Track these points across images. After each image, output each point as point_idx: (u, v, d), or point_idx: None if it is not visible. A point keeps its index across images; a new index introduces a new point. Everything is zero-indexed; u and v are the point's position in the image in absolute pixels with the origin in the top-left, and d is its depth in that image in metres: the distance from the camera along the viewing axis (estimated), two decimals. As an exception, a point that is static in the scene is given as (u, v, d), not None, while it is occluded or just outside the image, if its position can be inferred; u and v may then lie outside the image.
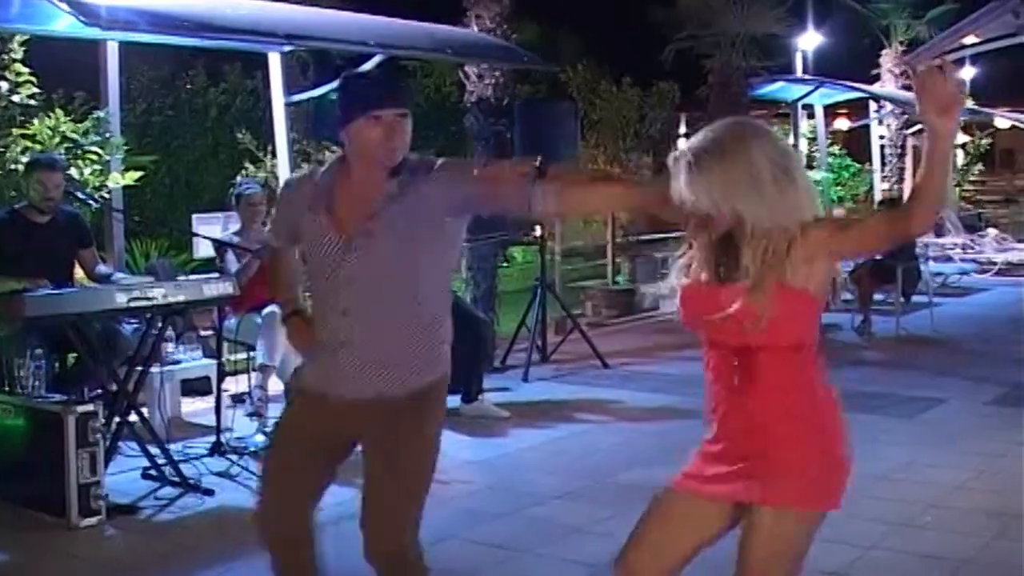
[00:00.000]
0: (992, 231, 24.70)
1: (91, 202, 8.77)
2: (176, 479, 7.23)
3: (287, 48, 10.32)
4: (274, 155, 11.53)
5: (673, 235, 15.89)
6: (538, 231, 11.37)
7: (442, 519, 6.70)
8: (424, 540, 6.25)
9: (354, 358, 4.05)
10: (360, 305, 4.03)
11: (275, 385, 8.50)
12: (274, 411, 8.47)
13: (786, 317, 3.43)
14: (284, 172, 10.81)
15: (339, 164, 4.15)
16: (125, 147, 9.74)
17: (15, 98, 8.93)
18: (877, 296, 14.34)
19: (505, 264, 20.11)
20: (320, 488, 4.33)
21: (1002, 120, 27.37)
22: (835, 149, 29.92)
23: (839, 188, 30.11)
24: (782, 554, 3.55)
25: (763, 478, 3.50)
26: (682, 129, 29.70)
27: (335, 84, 4.61)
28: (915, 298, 14.74)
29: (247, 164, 13.06)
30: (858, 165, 30.22)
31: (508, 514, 6.84)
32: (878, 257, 14.06)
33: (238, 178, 12.40)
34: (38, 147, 8.80)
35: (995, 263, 21.92)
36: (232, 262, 8.54)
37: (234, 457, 7.72)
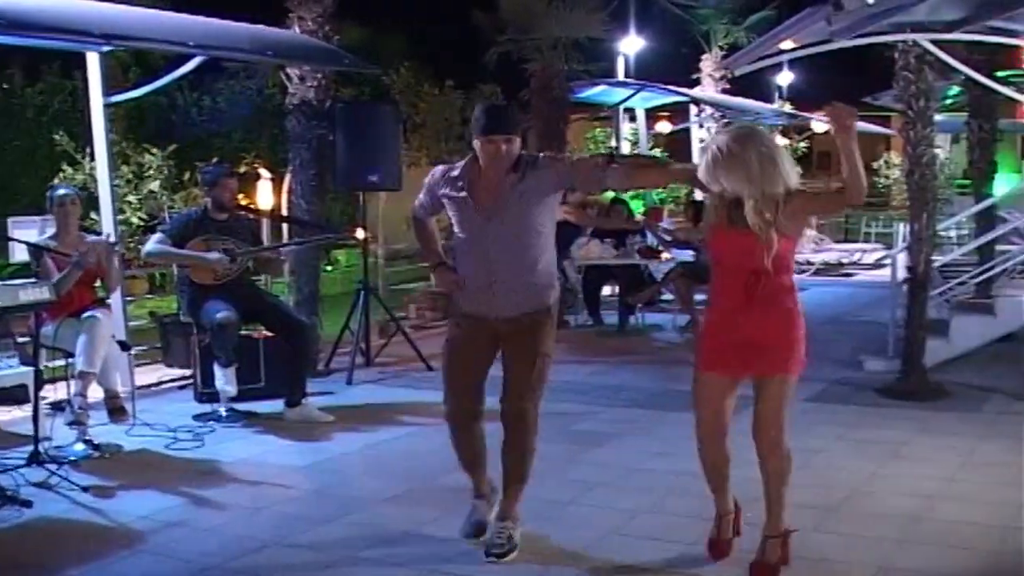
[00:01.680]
0: (810, 232, 25.17)
1: None
2: (-10, 491, 6.99)
3: (105, 48, 10.04)
4: (92, 157, 11.23)
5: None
6: (360, 234, 11.25)
7: (265, 525, 6.63)
8: (247, 546, 6.18)
9: (502, 290, 6.07)
10: (503, 255, 6.04)
11: (95, 392, 8.28)
12: (97, 418, 8.30)
13: (781, 253, 5.61)
14: (103, 175, 10.49)
15: (473, 163, 6.10)
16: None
17: None
18: (698, 296, 14.53)
19: (328, 267, 19.98)
20: (483, 379, 6.30)
21: (819, 124, 27.97)
22: (657, 152, 30.33)
23: (661, 190, 30.53)
24: (785, 402, 5.69)
25: (770, 358, 5.66)
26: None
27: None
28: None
29: (65, 166, 12.75)
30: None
31: (332, 519, 6.76)
32: (689, 259, 14.30)
33: (55, 180, 12.12)
34: None
35: (812, 263, 22.41)
36: (51, 267, 8.31)
37: (53, 467, 7.46)
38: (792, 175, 5.52)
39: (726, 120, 22.71)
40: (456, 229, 6.22)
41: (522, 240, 6.07)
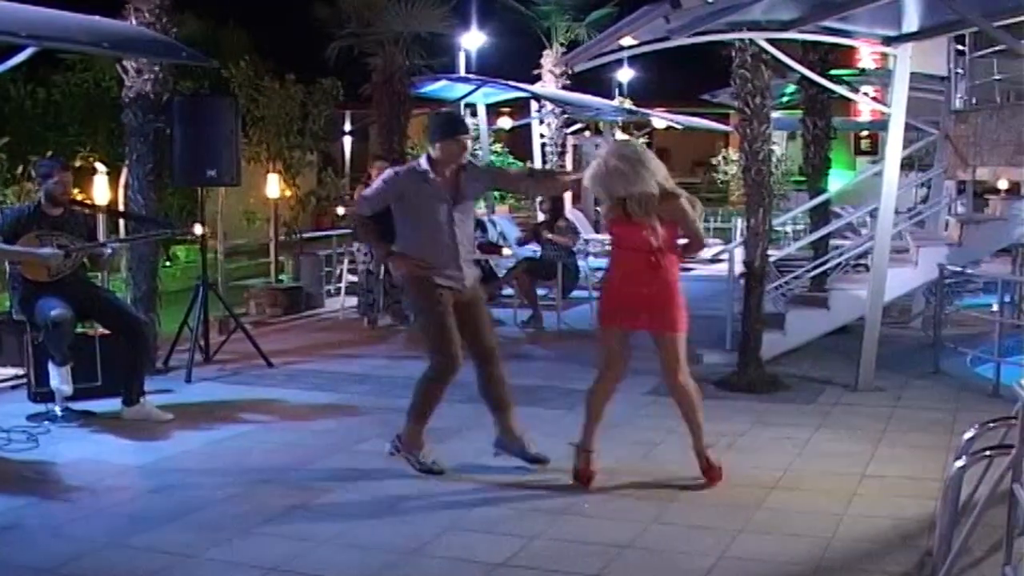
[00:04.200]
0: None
1: None
2: None
3: (-71, 37, 9.72)
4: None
5: (336, 234, 15.87)
6: (198, 229, 11.10)
7: (104, 526, 6.52)
8: (84, 549, 6.06)
9: (463, 264, 7.62)
10: (460, 235, 7.60)
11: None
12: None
13: (667, 236, 7.13)
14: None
15: (429, 161, 7.56)
16: None
17: None
18: (539, 291, 14.62)
19: (167, 263, 19.67)
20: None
21: (659, 120, 28.35)
22: (498, 147, 30.48)
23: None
24: (680, 352, 7.26)
25: (663, 318, 7.22)
26: (347, 126, 29.74)
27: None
28: (575, 293, 15.04)
29: None
30: (520, 163, 30.83)
31: (173, 519, 6.65)
32: (534, 254, 14.39)
33: None
34: None
35: (652, 258, 22.64)
36: None
37: None
38: (659, 173, 7.07)
39: (566, 116, 22.90)
40: (414, 219, 7.60)
41: (469, 222, 7.84)
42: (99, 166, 13.81)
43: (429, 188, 7.54)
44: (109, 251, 9.91)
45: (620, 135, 30.14)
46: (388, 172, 7.87)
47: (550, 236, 14.50)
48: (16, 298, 9.22)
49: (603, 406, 7.47)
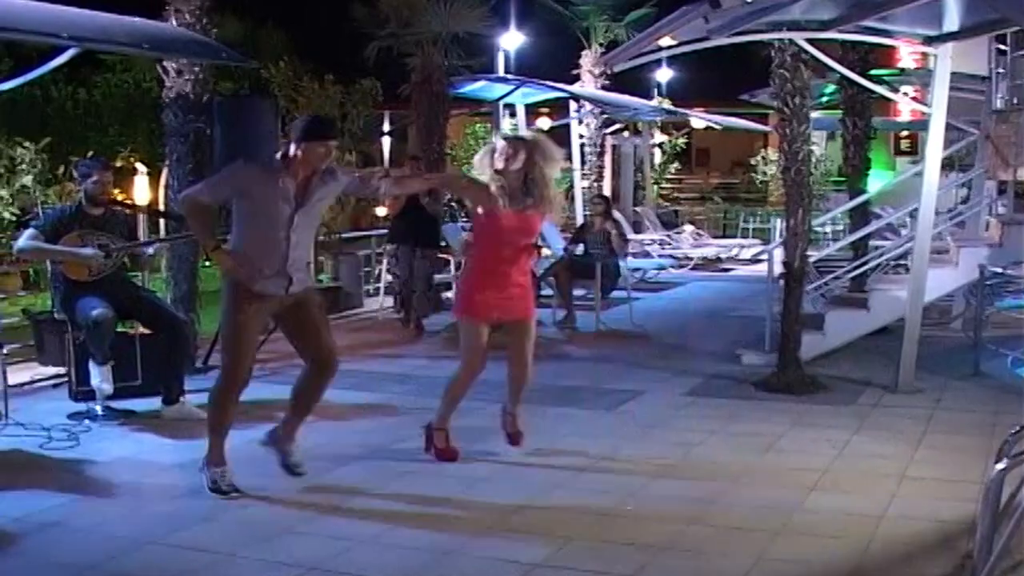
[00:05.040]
0: (689, 227, 25.53)
1: None
2: None
3: (-26, 39, 9.80)
4: (-38, 150, 10.99)
5: (374, 234, 15.94)
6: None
7: (144, 524, 6.55)
8: (125, 547, 6.11)
9: (294, 270, 7.18)
10: (298, 240, 7.16)
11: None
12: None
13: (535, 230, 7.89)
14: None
15: (284, 160, 7.11)
16: None
17: None
18: (578, 292, 14.61)
19: (207, 263, 19.75)
20: None
21: (697, 121, 28.27)
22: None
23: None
24: (534, 334, 7.97)
25: (523, 305, 7.82)
26: (386, 126, 29.75)
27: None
28: (614, 293, 15.04)
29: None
30: (559, 164, 30.73)
31: (212, 517, 6.70)
32: (578, 253, 14.38)
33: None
34: None
35: (691, 258, 22.66)
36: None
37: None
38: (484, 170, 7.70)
39: (605, 116, 22.87)
40: (252, 217, 7.17)
41: (310, 229, 7.42)
42: (139, 166, 13.92)
43: (278, 188, 7.07)
44: (150, 251, 9.98)
45: (660, 136, 30.14)
46: (237, 162, 7.39)
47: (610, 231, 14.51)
48: (58, 297, 9.29)
49: (465, 395, 8.07)
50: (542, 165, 7.64)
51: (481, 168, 7.75)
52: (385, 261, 15.54)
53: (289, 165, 7.10)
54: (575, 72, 23.68)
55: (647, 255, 21.10)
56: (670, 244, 23.26)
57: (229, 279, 7.24)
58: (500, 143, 7.72)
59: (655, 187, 30.44)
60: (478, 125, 28.48)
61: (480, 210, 7.73)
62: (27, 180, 13.44)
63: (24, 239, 9.15)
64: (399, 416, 9.36)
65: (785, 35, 10.09)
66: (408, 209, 13.08)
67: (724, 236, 28.30)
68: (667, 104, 28.13)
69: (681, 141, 32.53)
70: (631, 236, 20.76)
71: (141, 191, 13.01)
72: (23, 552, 6.13)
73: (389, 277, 15.27)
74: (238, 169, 7.27)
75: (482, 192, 7.67)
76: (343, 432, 8.80)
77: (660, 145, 31.30)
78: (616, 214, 20.13)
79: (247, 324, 7.20)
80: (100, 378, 9.05)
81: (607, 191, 23.53)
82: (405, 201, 12.85)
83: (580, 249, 14.83)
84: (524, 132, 8.22)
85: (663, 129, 30.63)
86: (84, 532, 6.42)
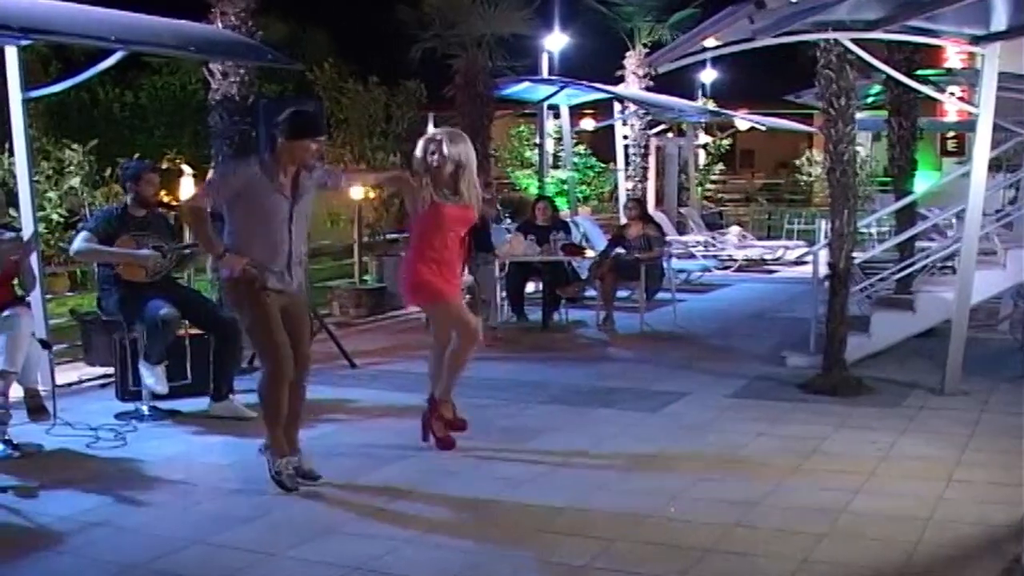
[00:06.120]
0: (734, 229, 25.43)
1: None
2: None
3: (24, 42, 9.86)
4: (11, 153, 11.04)
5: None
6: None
7: (189, 523, 6.59)
8: (171, 546, 6.16)
9: (293, 267, 7.39)
10: (295, 237, 7.36)
11: (14, 391, 8.15)
12: (16, 417, 8.15)
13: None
14: (22, 171, 10.27)
15: (271, 156, 7.26)
16: None
17: None
18: (622, 293, 14.59)
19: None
20: None
21: (742, 122, 28.18)
22: (581, 149, 30.46)
23: (585, 187, 30.66)
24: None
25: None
26: (430, 128, 29.81)
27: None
28: (659, 295, 15.01)
29: (-17, 162, 12.58)
30: (603, 164, 30.79)
31: (257, 517, 6.74)
32: (621, 252, 14.34)
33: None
34: None
35: (736, 260, 22.57)
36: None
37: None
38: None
39: (649, 117, 22.82)
40: (250, 217, 7.25)
41: (303, 225, 7.50)
42: (185, 168, 13.99)
43: (271, 185, 7.21)
44: (198, 251, 10.04)
45: (704, 137, 30.08)
46: (229, 164, 7.63)
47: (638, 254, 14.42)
48: (114, 299, 9.28)
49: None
50: (456, 155, 8.13)
51: (419, 168, 8.22)
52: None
53: (278, 160, 7.26)
54: (619, 73, 23.64)
55: (691, 256, 21.05)
56: (714, 245, 23.19)
57: (241, 280, 7.24)
58: (421, 143, 8.31)
59: (699, 188, 30.37)
60: (523, 127, 28.53)
61: (425, 205, 8.11)
62: (75, 182, 13.54)
63: (79, 241, 9.19)
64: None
65: (831, 35, 10.03)
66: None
67: (768, 237, 28.16)
68: (711, 105, 28.10)
69: (725, 142, 32.47)
70: (675, 237, 20.70)
71: (187, 192, 13.05)
72: (69, 550, 6.17)
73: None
74: (232, 169, 7.62)
75: (423, 189, 8.13)
76: (387, 433, 8.82)
77: (704, 146, 31.26)
78: (658, 214, 20.12)
79: (269, 313, 7.25)
80: (155, 378, 9.08)
81: (651, 192, 23.52)
82: None
83: (619, 251, 14.79)
84: (434, 130, 8.89)
85: (707, 130, 30.58)
86: (129, 531, 6.46)
